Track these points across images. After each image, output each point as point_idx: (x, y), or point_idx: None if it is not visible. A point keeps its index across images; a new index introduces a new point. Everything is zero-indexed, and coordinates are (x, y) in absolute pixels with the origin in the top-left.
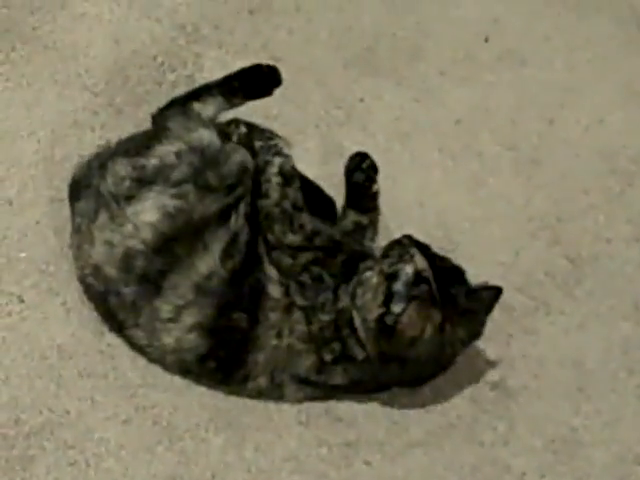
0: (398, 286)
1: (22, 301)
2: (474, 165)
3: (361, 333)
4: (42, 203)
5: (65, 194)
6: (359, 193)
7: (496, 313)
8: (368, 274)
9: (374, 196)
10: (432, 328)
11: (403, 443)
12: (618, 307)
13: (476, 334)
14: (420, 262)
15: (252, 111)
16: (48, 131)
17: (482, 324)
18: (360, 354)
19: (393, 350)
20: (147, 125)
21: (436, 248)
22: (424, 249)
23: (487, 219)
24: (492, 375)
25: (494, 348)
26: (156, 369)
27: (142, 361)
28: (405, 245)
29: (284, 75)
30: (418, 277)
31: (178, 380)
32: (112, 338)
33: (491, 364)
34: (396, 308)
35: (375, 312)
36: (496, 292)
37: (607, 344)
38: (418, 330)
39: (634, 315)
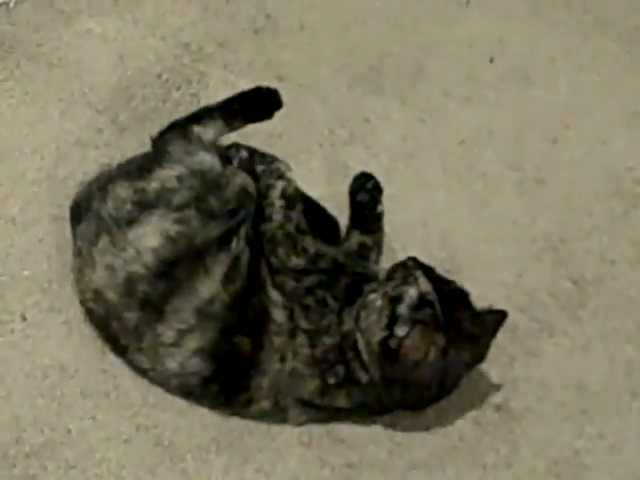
0: (402, 309)
1: (24, 319)
2: (478, 185)
3: (365, 356)
4: (45, 221)
5: (68, 213)
6: (364, 213)
7: (499, 335)
8: (372, 297)
9: (379, 217)
10: (436, 352)
11: (406, 465)
12: (622, 329)
13: (480, 358)
14: (424, 285)
15: (256, 130)
16: (52, 149)
17: (486, 348)
18: (364, 377)
19: (396, 373)
20: (150, 144)
21: (440, 269)
22: (428, 271)
23: (491, 239)
24: (495, 397)
25: (497, 370)
26: (158, 389)
27: (144, 381)
28: (409, 267)
29: (288, 94)
30: (422, 300)
31: (180, 401)
32: (114, 357)
33: (494, 386)
34: (400, 331)
35: (379, 335)
36: (501, 316)
37: (611, 366)
38: (422, 354)
39: (638, 337)
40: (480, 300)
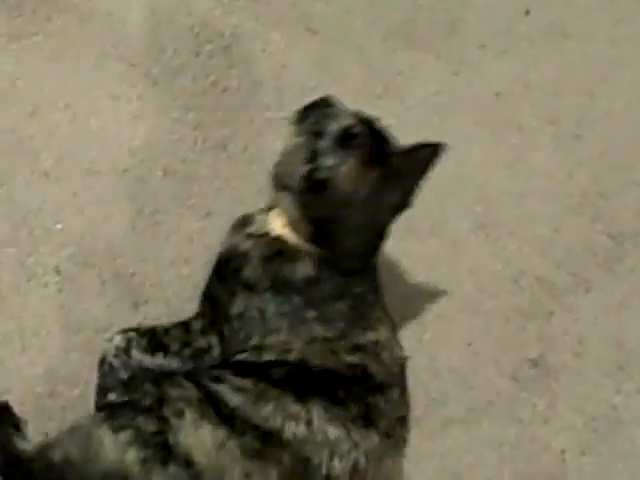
0: (325, 142)
1: (58, 273)
2: (514, 139)
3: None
4: (78, 175)
5: (101, 166)
6: None
7: (536, 289)
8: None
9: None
10: (365, 186)
11: (442, 420)
12: None
13: (407, 201)
14: (347, 119)
15: (289, 84)
16: (84, 102)
17: (415, 188)
18: None
19: (321, 211)
20: (183, 97)
21: (475, 223)
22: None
23: (527, 194)
24: (532, 353)
25: (534, 325)
26: None
27: None
28: (326, 104)
29: (321, 47)
30: (347, 134)
31: None
32: (147, 310)
33: (531, 341)
34: (328, 161)
35: (302, 170)
36: (432, 149)
37: None
38: (352, 186)
39: None
40: (516, 255)
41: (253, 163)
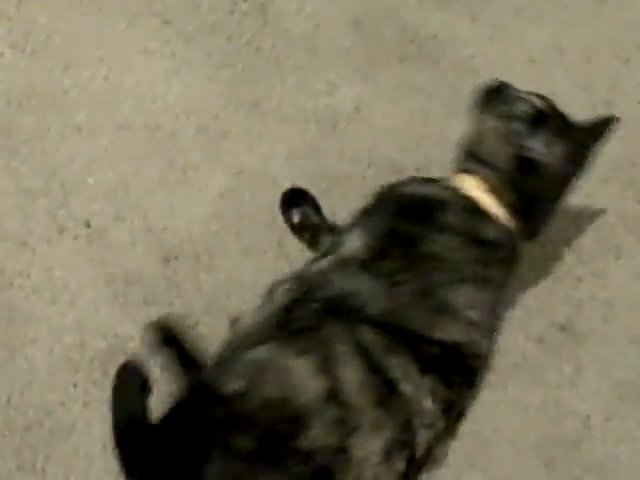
0: (523, 124)
1: (88, 226)
2: None
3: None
4: (110, 129)
5: (135, 121)
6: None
7: (565, 255)
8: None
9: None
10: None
11: None
12: None
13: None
14: (534, 99)
15: (324, 44)
16: (118, 58)
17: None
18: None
19: (531, 187)
20: (217, 55)
21: None
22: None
23: None
24: (560, 317)
25: (562, 290)
26: (220, 299)
27: (207, 288)
28: (502, 89)
29: (357, 7)
30: (541, 113)
31: None
32: (177, 265)
33: (559, 306)
34: (535, 144)
35: (508, 150)
36: (609, 121)
37: None
38: (560, 165)
39: None
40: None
41: (285, 122)
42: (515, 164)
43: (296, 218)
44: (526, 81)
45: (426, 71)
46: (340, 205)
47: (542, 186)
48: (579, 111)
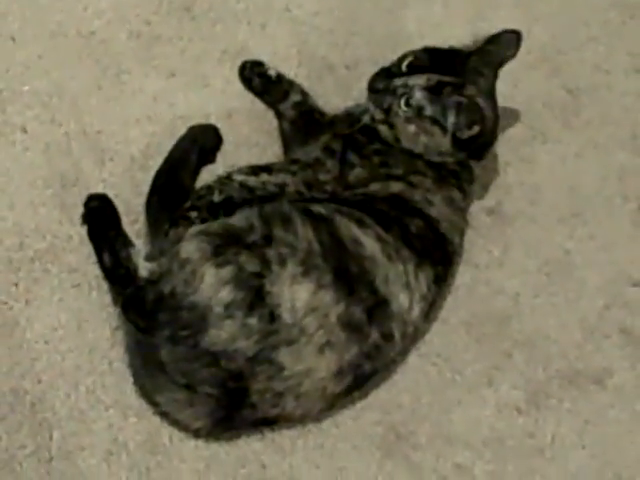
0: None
1: (25, 131)
2: None
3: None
4: (45, 37)
5: (67, 29)
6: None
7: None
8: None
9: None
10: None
11: None
12: (615, 136)
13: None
14: (418, 79)
15: None
16: None
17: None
18: None
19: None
20: None
21: None
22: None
23: None
24: (488, 201)
25: (490, 175)
26: None
27: (143, 188)
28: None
29: None
30: (438, 85)
31: None
32: (113, 166)
33: (487, 191)
34: (450, 120)
35: (444, 143)
36: (514, 34)
37: (603, 171)
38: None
39: (631, 144)
40: None
41: (217, 24)
42: (459, 146)
43: (257, 83)
44: None
45: None
46: None
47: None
48: (506, 2)
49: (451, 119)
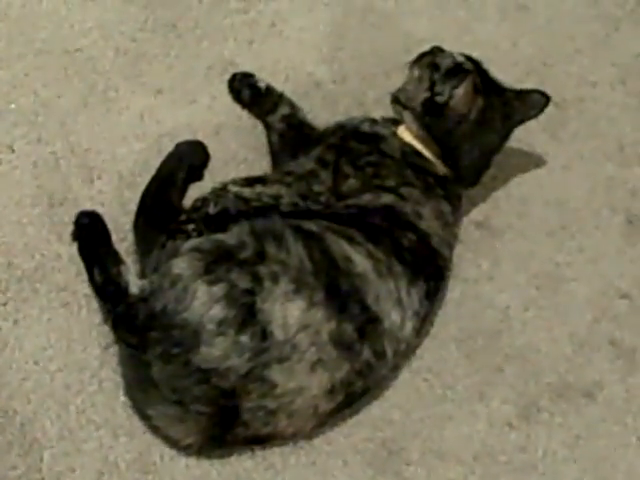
0: (440, 74)
1: (12, 150)
2: (460, 12)
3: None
4: (30, 56)
5: (54, 46)
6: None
7: None
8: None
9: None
10: (476, 110)
11: None
12: (602, 148)
13: (511, 132)
14: (458, 57)
15: None
16: None
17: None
18: None
19: (440, 130)
20: None
21: None
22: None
23: None
24: (477, 215)
25: (478, 189)
26: None
27: (131, 206)
28: (439, 49)
29: None
30: (459, 67)
31: None
32: (101, 185)
33: (476, 204)
34: (443, 88)
35: (422, 97)
36: (545, 98)
37: (591, 184)
38: (465, 108)
39: (618, 156)
40: None
41: (203, 40)
42: (425, 107)
43: (246, 94)
44: None
45: None
46: None
47: (450, 129)
48: (493, 16)
49: (442, 87)
